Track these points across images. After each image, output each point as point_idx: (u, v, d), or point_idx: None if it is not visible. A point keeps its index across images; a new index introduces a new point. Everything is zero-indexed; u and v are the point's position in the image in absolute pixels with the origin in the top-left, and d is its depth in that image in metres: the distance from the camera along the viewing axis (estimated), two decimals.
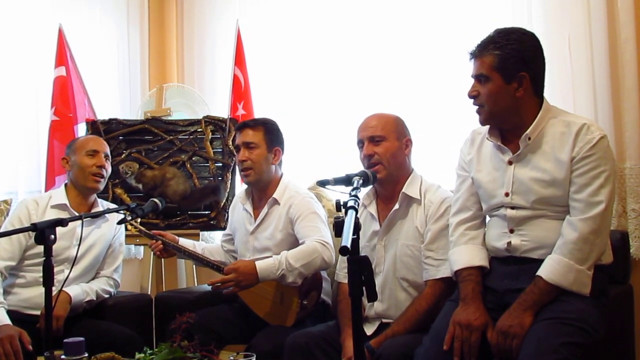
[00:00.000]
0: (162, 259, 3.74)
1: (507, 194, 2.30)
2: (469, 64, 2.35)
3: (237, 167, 3.73)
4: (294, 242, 2.93)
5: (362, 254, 1.84)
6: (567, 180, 2.20)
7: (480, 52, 2.29)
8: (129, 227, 3.12)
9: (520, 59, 2.23)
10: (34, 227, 2.30)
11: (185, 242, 3.16)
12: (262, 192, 3.11)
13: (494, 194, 2.35)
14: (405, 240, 2.67)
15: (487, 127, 2.38)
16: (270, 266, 2.77)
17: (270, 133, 3.08)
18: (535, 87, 2.28)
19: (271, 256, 2.83)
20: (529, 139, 2.26)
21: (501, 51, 2.24)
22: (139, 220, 3.09)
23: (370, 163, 2.67)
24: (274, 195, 3.04)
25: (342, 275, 2.82)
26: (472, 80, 2.33)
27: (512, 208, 2.30)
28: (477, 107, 2.33)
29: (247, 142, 3.04)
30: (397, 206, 2.68)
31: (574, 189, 2.19)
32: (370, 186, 2.71)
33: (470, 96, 2.33)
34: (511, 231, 2.30)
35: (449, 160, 3.16)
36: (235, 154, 3.73)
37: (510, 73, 2.24)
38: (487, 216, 2.46)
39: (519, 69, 2.23)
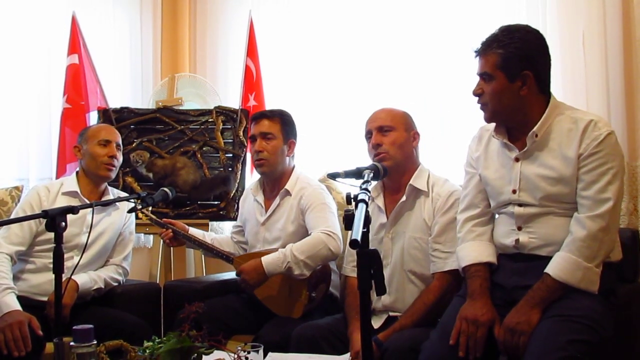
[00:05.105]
0: (171, 248, 3.77)
1: (514, 191, 2.29)
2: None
3: (247, 158, 3.78)
4: (305, 234, 2.93)
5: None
6: (575, 177, 2.18)
7: (484, 51, 2.27)
8: (140, 215, 3.14)
9: (523, 58, 2.21)
10: (44, 214, 2.33)
11: (195, 232, 3.17)
12: (274, 183, 3.11)
13: (502, 190, 2.34)
14: (413, 232, 2.67)
15: (494, 124, 2.36)
16: (276, 260, 2.79)
17: (287, 125, 3.09)
18: (540, 85, 2.25)
19: (280, 248, 2.84)
20: (536, 135, 2.24)
21: (504, 50, 2.21)
22: (149, 208, 3.11)
23: (377, 152, 2.67)
24: (285, 187, 3.04)
25: (349, 268, 2.81)
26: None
27: (520, 205, 2.28)
28: (481, 105, 2.32)
29: (264, 133, 3.03)
30: (404, 198, 2.68)
31: (581, 186, 2.17)
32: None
33: (475, 94, 2.32)
34: (519, 228, 2.29)
35: (458, 157, 3.15)
36: (246, 144, 3.76)
37: (513, 72, 2.21)
38: (495, 213, 2.45)
39: (523, 68, 2.21)
